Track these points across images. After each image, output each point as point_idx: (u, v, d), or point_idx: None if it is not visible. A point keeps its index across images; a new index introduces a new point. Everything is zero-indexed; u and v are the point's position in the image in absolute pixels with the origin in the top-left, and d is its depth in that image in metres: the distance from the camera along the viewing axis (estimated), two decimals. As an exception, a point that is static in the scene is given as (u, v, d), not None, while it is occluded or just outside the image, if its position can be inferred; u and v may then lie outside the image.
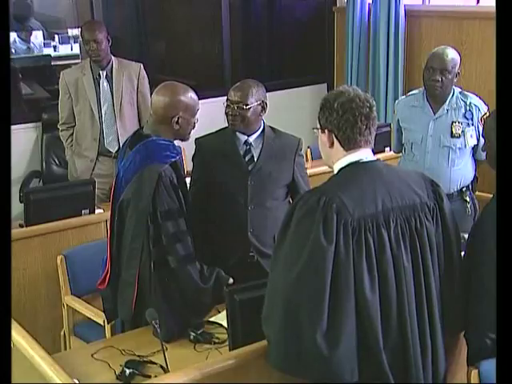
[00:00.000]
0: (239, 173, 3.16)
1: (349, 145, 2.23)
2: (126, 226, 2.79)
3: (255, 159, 3.18)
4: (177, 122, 2.80)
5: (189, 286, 2.77)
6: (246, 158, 3.18)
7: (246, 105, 3.09)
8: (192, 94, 2.87)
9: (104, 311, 2.99)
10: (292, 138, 3.30)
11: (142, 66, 4.50)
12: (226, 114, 3.16)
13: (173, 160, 2.82)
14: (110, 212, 2.90)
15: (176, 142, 2.88)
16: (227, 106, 3.14)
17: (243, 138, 3.18)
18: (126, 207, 2.78)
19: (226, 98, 3.16)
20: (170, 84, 2.88)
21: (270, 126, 3.26)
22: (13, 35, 5.75)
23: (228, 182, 3.16)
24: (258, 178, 3.16)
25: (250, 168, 3.16)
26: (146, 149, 2.79)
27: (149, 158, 2.77)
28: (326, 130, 2.25)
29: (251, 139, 3.18)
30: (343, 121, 2.21)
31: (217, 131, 3.28)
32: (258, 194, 3.16)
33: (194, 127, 2.89)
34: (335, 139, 2.24)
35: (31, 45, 5.91)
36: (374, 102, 2.27)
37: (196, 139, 3.17)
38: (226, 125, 3.22)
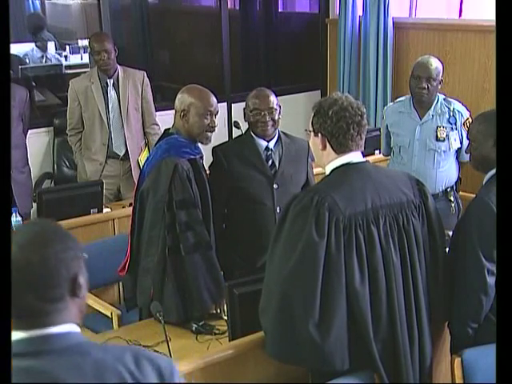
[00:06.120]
0: (264, 178, 3.09)
1: (340, 149, 2.23)
2: (145, 215, 2.80)
3: (276, 164, 3.11)
4: (183, 117, 2.82)
5: (194, 273, 2.76)
6: (269, 163, 3.11)
7: (276, 109, 3.07)
8: (204, 96, 2.85)
9: (124, 300, 3.00)
10: (302, 140, 3.23)
11: (145, 73, 4.49)
12: (255, 121, 3.05)
13: (191, 157, 2.82)
14: (132, 202, 2.94)
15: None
16: (256, 114, 3.04)
17: (264, 143, 3.10)
18: (146, 196, 2.80)
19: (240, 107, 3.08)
20: (190, 85, 2.92)
21: (282, 131, 3.18)
22: (31, 45, 5.78)
23: (254, 186, 3.08)
24: (282, 182, 3.10)
25: (273, 172, 3.11)
26: (166, 144, 2.83)
27: (167, 151, 2.80)
28: (319, 134, 2.25)
29: (271, 145, 3.12)
30: (337, 128, 2.20)
31: (234, 139, 3.21)
32: (282, 197, 3.03)
33: (209, 129, 2.84)
34: (328, 143, 2.24)
35: (48, 54, 5.92)
36: (365, 110, 2.27)
37: (213, 148, 3.10)
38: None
